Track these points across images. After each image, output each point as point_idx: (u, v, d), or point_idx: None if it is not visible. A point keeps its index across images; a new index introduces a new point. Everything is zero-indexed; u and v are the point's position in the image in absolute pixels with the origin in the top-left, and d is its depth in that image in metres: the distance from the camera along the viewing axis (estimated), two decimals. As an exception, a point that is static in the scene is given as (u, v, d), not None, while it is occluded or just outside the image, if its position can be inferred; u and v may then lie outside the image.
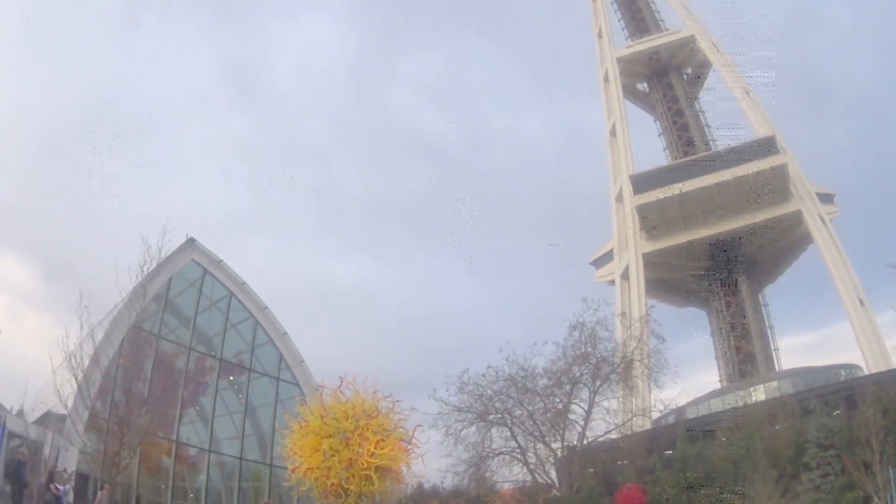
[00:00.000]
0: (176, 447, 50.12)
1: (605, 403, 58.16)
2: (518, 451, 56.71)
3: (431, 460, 50.20)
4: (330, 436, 33.34)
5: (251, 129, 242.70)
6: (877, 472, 38.54)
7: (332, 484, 33.27)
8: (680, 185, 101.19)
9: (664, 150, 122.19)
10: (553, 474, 57.45)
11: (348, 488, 32.98)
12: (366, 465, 32.60)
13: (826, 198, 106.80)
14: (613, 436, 58.86)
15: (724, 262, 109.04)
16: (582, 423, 57.00)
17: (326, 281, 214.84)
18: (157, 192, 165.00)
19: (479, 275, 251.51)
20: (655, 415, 65.10)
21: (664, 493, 49.40)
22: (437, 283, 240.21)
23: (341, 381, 34.60)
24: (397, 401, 36.16)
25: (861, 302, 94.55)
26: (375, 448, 33.05)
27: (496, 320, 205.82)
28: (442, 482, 60.28)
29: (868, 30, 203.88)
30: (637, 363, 58.85)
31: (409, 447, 35.49)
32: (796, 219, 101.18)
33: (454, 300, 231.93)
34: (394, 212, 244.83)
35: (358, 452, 32.78)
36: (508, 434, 56.79)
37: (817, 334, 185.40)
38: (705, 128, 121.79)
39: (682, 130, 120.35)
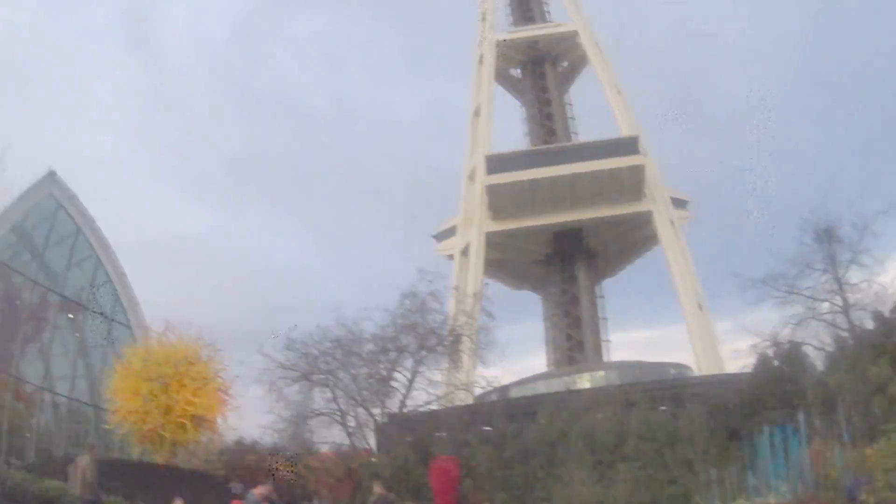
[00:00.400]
0: (14, 383, 49.25)
1: (429, 374, 59.10)
2: (338, 413, 57.51)
3: (254, 416, 51.35)
4: (150, 379, 34.53)
5: (132, 76, 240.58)
6: (699, 470, 38.72)
7: (149, 430, 34.54)
8: (534, 170, 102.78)
9: (525, 135, 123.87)
10: (372, 440, 58.76)
11: (163, 436, 34.33)
12: (182, 412, 34.01)
13: (680, 203, 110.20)
14: (434, 407, 60.47)
15: (565, 250, 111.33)
16: (404, 391, 58.59)
17: (176, 229, 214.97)
18: (32, 128, 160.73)
19: (325, 238, 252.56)
20: (478, 391, 66.72)
21: (479, 468, 50.90)
22: (284, 243, 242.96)
23: (166, 326, 35.84)
24: (218, 349, 37.44)
25: (700, 306, 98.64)
26: (193, 396, 34.45)
27: (337, 284, 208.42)
28: (261, 438, 60.60)
29: (760, 54, 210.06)
30: (465, 338, 60.45)
31: (226, 398, 36.99)
32: (646, 219, 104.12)
33: (298, 260, 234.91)
34: (252, 168, 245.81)
35: (175, 399, 34.10)
36: (330, 396, 57.48)
37: (652, 332, 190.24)
38: (570, 120, 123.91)
39: (547, 119, 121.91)
